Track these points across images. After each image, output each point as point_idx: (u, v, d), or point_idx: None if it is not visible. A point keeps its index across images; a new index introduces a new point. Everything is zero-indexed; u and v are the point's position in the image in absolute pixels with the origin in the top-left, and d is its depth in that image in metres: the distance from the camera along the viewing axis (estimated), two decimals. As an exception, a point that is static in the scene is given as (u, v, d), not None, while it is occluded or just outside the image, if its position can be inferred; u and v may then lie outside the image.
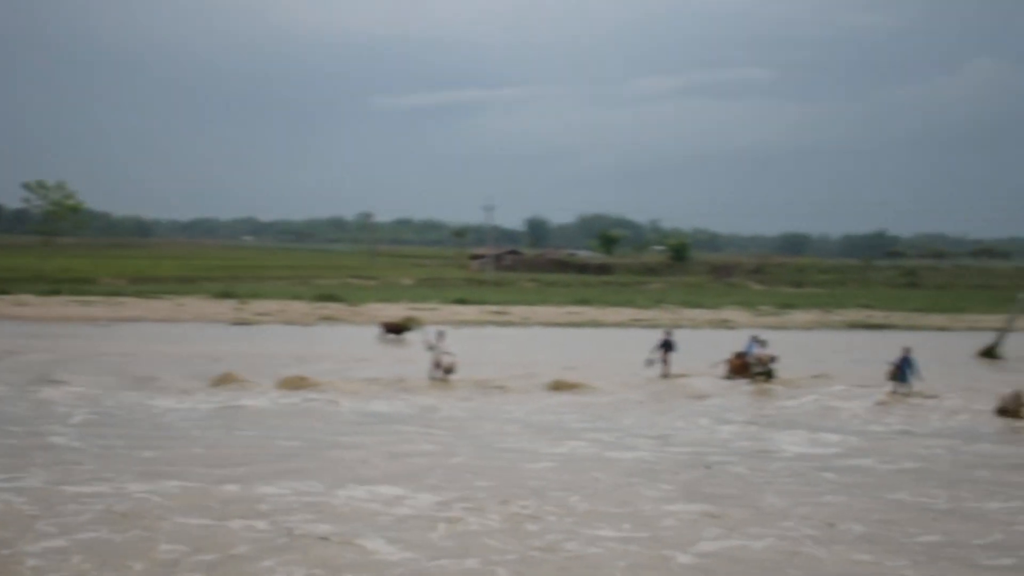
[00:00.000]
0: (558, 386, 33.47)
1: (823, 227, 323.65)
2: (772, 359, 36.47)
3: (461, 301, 72.12)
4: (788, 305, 77.03)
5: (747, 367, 36.58)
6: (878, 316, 71.83)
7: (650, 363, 37.15)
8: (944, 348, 48.41)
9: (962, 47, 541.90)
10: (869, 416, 30.45)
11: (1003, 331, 50.57)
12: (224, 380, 32.40)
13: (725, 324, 63.65)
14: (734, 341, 43.41)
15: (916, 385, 34.07)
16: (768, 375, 36.08)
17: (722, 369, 37.52)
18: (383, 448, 23.50)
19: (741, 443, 25.32)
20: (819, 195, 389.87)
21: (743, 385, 35.42)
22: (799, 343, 48.86)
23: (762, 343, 37.34)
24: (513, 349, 46.20)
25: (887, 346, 43.05)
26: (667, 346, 37.48)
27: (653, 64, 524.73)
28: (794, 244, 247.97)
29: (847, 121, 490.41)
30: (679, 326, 55.40)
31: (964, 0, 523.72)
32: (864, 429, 28.05)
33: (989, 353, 48.34)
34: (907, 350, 34.60)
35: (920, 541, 16.90)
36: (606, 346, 49.90)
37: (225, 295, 70.68)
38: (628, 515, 18.07)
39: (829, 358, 44.71)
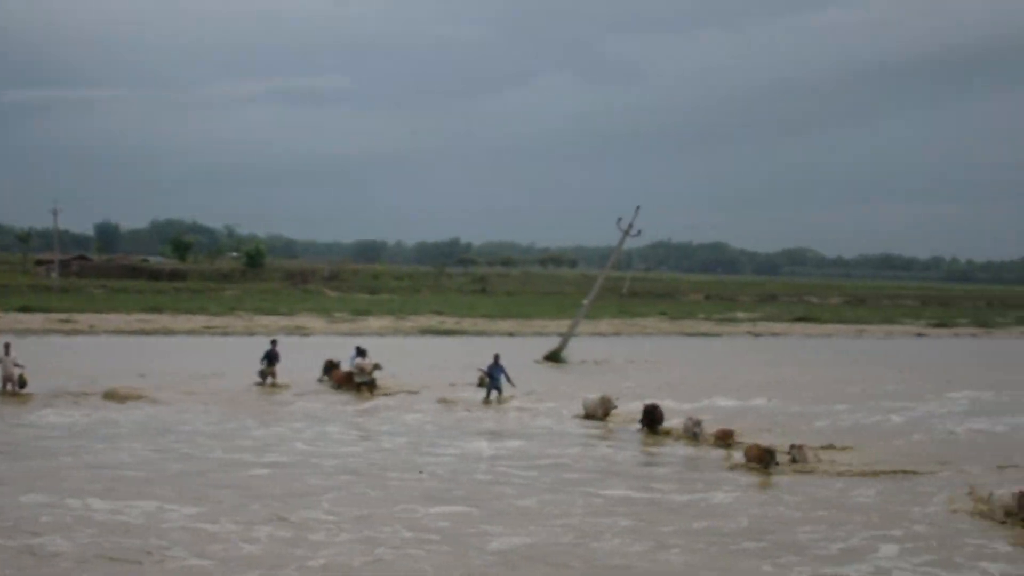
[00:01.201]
0: (116, 395, 32.53)
1: (399, 235, 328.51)
2: (376, 367, 36.57)
3: (25, 309, 68.54)
4: (363, 312, 77.61)
5: (350, 377, 36.50)
6: (449, 322, 73.42)
7: (262, 375, 36.78)
8: (513, 353, 49.85)
9: (535, 61, 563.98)
10: (473, 419, 31.63)
11: (566, 336, 52.67)
12: None
13: (300, 330, 63.52)
14: (333, 349, 43.45)
15: (506, 390, 35.30)
16: (371, 384, 36.11)
17: (327, 379, 37.74)
18: (70, 460, 23.40)
19: (407, 449, 26.28)
20: (396, 203, 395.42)
21: (350, 394, 35.62)
22: (390, 349, 49.11)
23: (363, 352, 37.52)
24: (81, 358, 44.22)
25: (472, 351, 44.90)
26: (271, 357, 36.98)
27: (234, 68, 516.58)
28: (370, 251, 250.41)
29: (426, 130, 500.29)
30: (253, 333, 54.84)
31: (537, 17, 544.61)
32: (482, 431, 29.55)
33: (553, 357, 50.14)
34: (497, 356, 35.74)
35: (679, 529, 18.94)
36: (178, 354, 48.58)
37: None
38: (395, 518, 19.20)
39: (418, 364, 45.21)
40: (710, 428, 28.63)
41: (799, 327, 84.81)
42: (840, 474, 24.41)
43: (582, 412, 32.31)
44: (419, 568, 16.40)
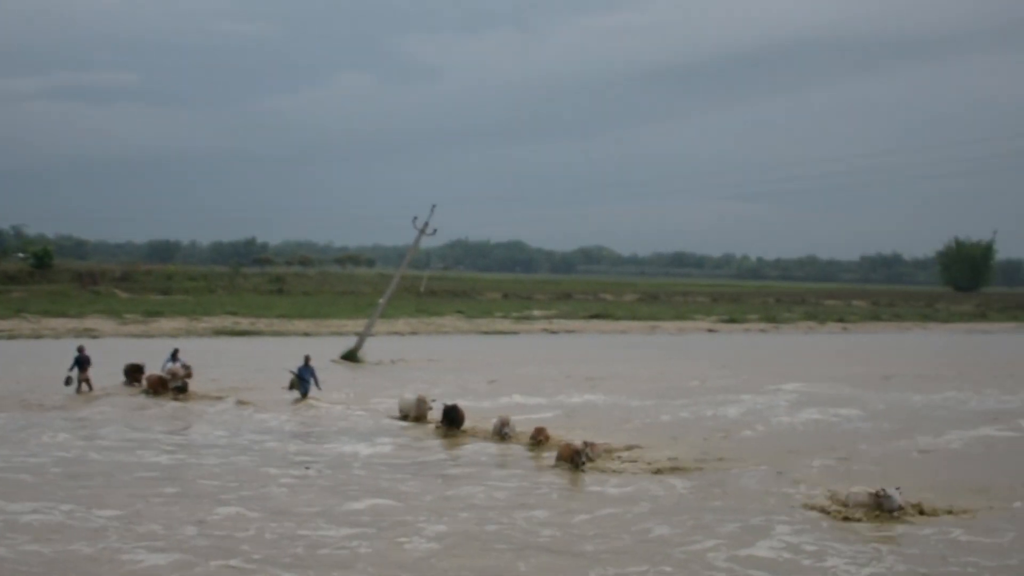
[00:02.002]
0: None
1: (193, 234, 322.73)
2: (187, 371, 35.88)
3: None
4: (155, 313, 75.99)
5: (164, 382, 35.74)
6: (245, 323, 72.43)
7: (69, 381, 35.73)
8: (310, 353, 49.48)
9: (327, 61, 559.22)
10: (290, 422, 31.58)
11: (362, 335, 52.51)
12: None
13: (89, 333, 61.86)
14: (128, 352, 42.79)
15: (315, 392, 35.32)
16: (184, 388, 35.44)
17: (128, 382, 37.13)
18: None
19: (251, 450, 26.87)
20: (190, 202, 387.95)
21: (167, 398, 35.05)
22: (201, 351, 48.27)
23: (176, 355, 36.99)
24: None
25: (277, 352, 45.57)
26: (82, 362, 35.91)
27: (13, 63, 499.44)
28: (163, 251, 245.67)
29: (219, 129, 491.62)
30: (40, 336, 53.24)
31: (331, 16, 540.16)
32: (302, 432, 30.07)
33: (349, 357, 49.94)
34: (308, 358, 35.83)
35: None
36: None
37: None
38: (311, 514, 19.96)
39: (226, 366, 44.84)
40: (524, 427, 28.98)
41: (594, 324, 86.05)
42: (659, 471, 25.05)
43: (398, 413, 32.31)
44: (365, 556, 17.44)
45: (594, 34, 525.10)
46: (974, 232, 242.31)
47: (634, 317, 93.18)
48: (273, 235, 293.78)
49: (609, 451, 26.50)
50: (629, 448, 27.45)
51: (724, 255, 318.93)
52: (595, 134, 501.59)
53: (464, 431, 29.82)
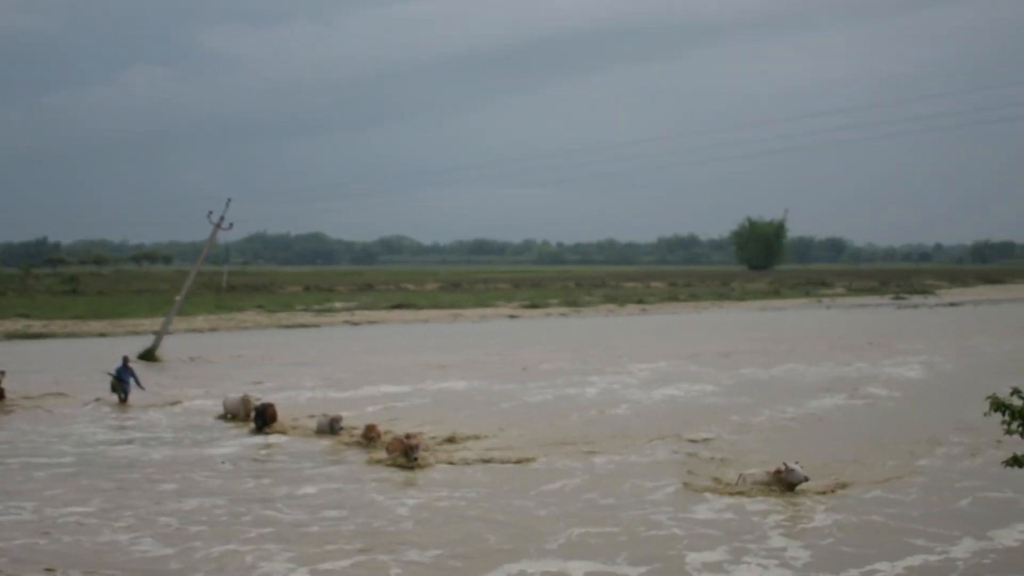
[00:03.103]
0: None
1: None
2: (2, 374, 34.89)
3: None
4: (-58, 319, 73.48)
5: None
6: (37, 325, 70.45)
7: None
8: (107, 354, 48.41)
9: (118, 54, 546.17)
10: (106, 425, 30.84)
11: (160, 333, 51.63)
12: None
13: None
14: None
15: (136, 392, 34.89)
16: None
17: None
18: None
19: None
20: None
21: None
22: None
23: None
24: None
25: (82, 356, 45.91)
26: None
27: None
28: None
29: (3, 127, 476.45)
30: None
31: (118, 7, 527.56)
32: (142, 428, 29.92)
33: (147, 356, 49.02)
34: (126, 359, 35.63)
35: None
36: None
37: None
38: (263, 499, 20.53)
39: (31, 371, 43.29)
40: (352, 422, 28.89)
41: (396, 314, 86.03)
42: (568, 455, 25.22)
43: (223, 412, 31.75)
44: (360, 531, 18.39)
45: (389, 24, 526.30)
46: (766, 211, 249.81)
47: (436, 306, 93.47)
48: (65, 234, 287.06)
49: (440, 443, 26.51)
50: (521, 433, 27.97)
51: (524, 241, 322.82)
52: (392, 123, 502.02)
53: (284, 428, 29.25)
